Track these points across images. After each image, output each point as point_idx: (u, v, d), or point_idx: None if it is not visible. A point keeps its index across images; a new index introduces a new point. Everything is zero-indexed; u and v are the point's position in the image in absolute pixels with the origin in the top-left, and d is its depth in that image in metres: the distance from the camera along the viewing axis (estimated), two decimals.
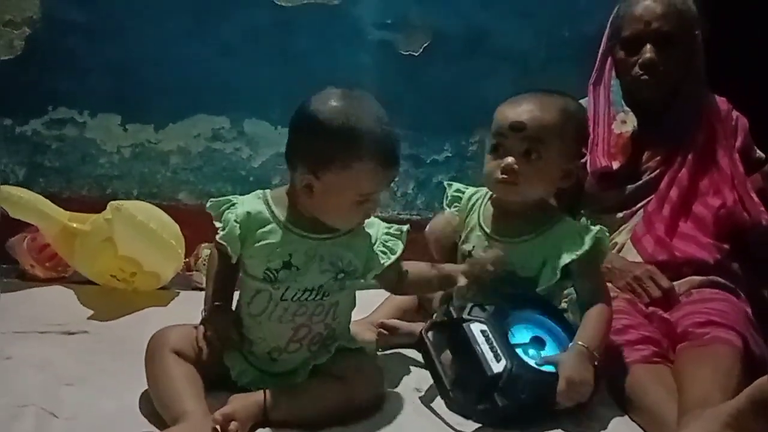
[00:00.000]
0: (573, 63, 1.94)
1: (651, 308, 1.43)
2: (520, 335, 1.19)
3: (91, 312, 1.55)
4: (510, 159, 1.22)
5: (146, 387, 1.13)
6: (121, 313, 1.55)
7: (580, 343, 1.16)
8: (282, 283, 1.14)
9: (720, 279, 1.49)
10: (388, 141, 1.11)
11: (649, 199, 1.59)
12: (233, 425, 1.04)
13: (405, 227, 1.22)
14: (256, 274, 1.15)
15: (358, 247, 1.18)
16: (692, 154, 1.59)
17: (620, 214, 1.62)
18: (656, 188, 1.59)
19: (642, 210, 1.60)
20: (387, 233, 1.20)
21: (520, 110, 1.23)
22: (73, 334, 1.43)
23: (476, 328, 1.17)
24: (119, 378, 1.22)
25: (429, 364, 1.23)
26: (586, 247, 1.21)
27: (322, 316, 1.17)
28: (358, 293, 1.55)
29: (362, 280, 1.20)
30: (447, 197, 1.37)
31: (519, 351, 1.16)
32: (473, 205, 1.34)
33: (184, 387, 1.08)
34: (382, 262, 1.18)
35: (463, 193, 1.36)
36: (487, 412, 1.14)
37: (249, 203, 1.17)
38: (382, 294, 1.56)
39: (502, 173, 1.23)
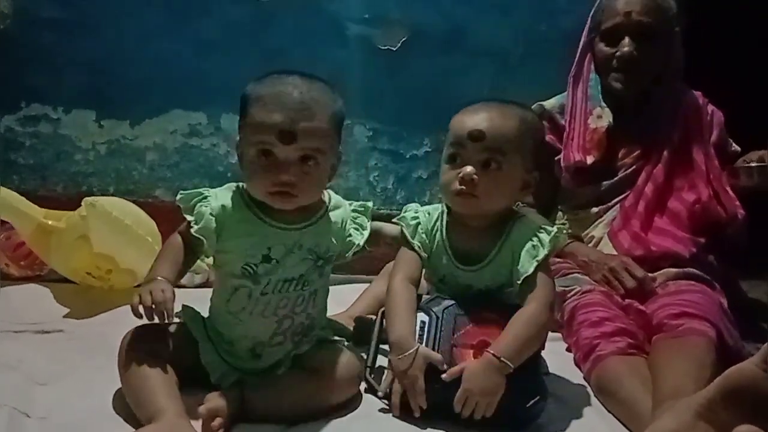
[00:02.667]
0: (551, 59, 1.95)
1: (627, 300, 1.45)
2: (468, 336, 1.16)
3: (67, 310, 1.53)
4: (469, 168, 1.17)
5: (121, 386, 1.12)
6: (97, 311, 1.53)
7: (490, 351, 1.10)
8: (262, 278, 1.13)
9: (696, 271, 1.51)
10: (282, 90, 1.08)
11: (625, 194, 1.61)
12: (218, 421, 1.03)
13: (368, 203, 1.25)
14: (234, 270, 1.14)
15: (334, 230, 1.18)
16: (668, 149, 1.61)
17: (595, 209, 1.63)
18: (632, 184, 1.61)
19: (618, 204, 1.61)
20: (354, 210, 1.22)
21: (479, 119, 1.18)
22: (48, 332, 1.42)
23: (419, 318, 1.18)
24: (94, 377, 1.21)
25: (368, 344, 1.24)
26: (545, 251, 1.17)
27: (303, 305, 1.16)
28: (334, 288, 1.57)
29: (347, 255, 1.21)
30: (408, 225, 1.25)
31: (455, 350, 1.14)
32: (434, 225, 1.26)
33: (158, 385, 1.06)
34: (357, 240, 1.20)
35: (419, 219, 1.26)
36: (388, 395, 1.16)
37: (224, 196, 1.15)
38: (359, 288, 1.58)
39: (460, 184, 1.17)
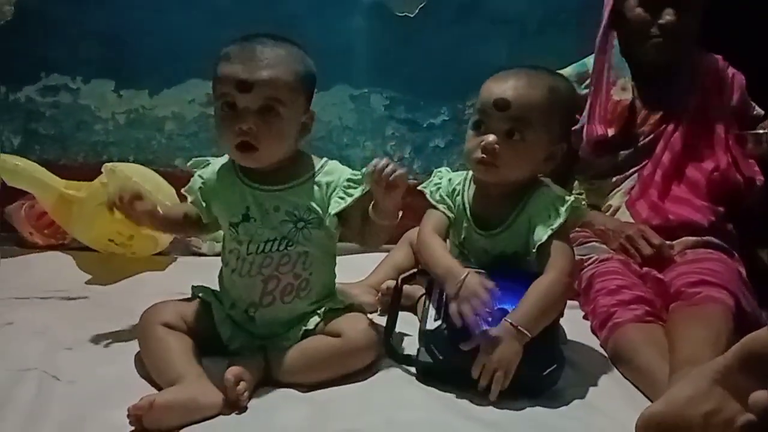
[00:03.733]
0: (569, 27, 1.92)
1: (645, 269, 1.45)
2: None
3: (91, 277, 1.56)
4: (491, 137, 1.16)
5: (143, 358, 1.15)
6: (120, 278, 1.56)
7: (507, 320, 1.11)
8: (244, 236, 1.17)
9: (714, 239, 1.50)
10: (245, 45, 1.12)
11: (643, 163, 1.59)
12: (243, 385, 1.06)
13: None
14: (225, 231, 1.21)
15: (317, 195, 1.18)
16: (686, 117, 1.58)
17: (613, 179, 1.62)
18: (651, 152, 1.59)
19: (636, 173, 1.60)
20: (348, 179, 1.18)
21: (506, 87, 1.16)
22: (73, 299, 1.45)
23: (434, 284, 1.19)
24: (118, 342, 1.24)
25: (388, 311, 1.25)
26: (561, 219, 1.17)
27: (289, 266, 1.18)
28: (354, 257, 1.59)
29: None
30: (429, 191, 1.27)
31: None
32: (455, 188, 1.27)
33: (178, 353, 1.10)
34: (333, 209, 1.16)
35: (441, 183, 1.27)
36: (411, 362, 1.18)
37: (217, 163, 1.22)
38: (376, 257, 1.59)
39: (482, 152, 1.17)
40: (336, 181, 1.19)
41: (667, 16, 1.52)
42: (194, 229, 1.29)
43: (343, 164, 1.22)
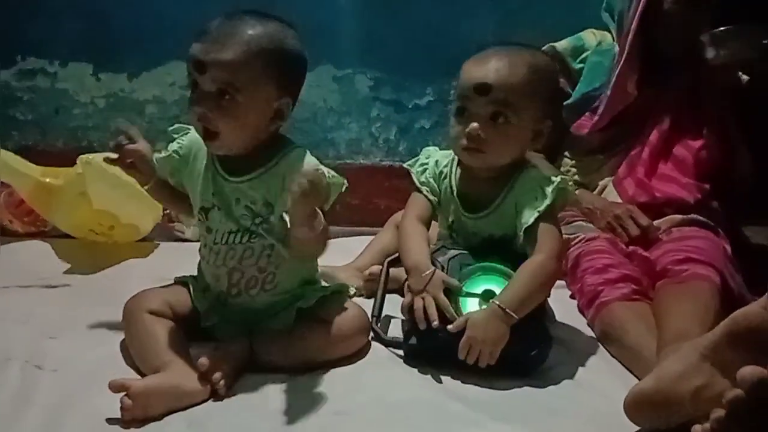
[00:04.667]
0: (557, 2, 1.90)
1: (631, 247, 1.45)
2: (473, 285, 1.17)
3: (72, 265, 1.54)
4: (474, 125, 1.14)
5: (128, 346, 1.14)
6: (102, 265, 1.54)
7: (495, 302, 1.10)
8: (211, 224, 1.14)
9: (700, 217, 1.50)
10: (212, 24, 1.06)
11: (631, 141, 1.59)
12: (218, 374, 1.04)
13: (338, 180, 1.09)
14: (195, 215, 1.17)
15: (274, 188, 1.10)
16: (676, 96, 1.57)
17: (601, 156, 1.62)
18: (639, 130, 1.58)
19: (623, 152, 1.60)
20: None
21: (485, 70, 1.14)
22: (55, 287, 1.43)
23: None
24: (103, 329, 1.22)
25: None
26: (548, 201, 1.16)
27: (253, 259, 1.13)
28: (341, 240, 1.58)
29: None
30: (415, 171, 1.26)
31: (460, 300, 1.15)
32: (442, 171, 1.26)
33: (163, 341, 1.08)
34: (284, 204, 1.06)
35: (428, 165, 1.26)
36: (398, 344, 1.18)
37: (198, 138, 1.13)
38: (363, 240, 1.58)
39: (467, 140, 1.15)
40: (291, 172, 1.07)
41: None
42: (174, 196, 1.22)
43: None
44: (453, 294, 1.15)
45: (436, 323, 1.11)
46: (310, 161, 1.09)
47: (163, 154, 1.17)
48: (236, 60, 1.03)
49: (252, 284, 1.15)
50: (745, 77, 1.53)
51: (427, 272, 1.14)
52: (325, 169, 1.07)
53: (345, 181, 1.11)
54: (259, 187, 1.11)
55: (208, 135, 1.07)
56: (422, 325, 1.12)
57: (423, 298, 1.13)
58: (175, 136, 1.19)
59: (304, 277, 1.19)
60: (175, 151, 1.17)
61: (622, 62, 1.53)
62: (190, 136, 1.17)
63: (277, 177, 1.10)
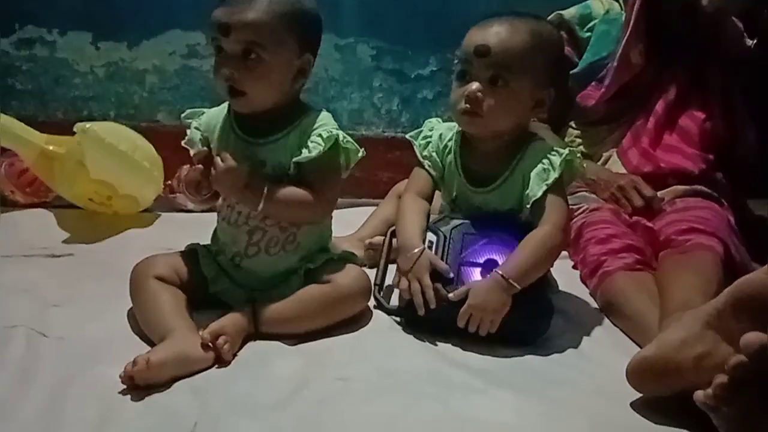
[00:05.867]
0: None
1: (635, 217, 1.44)
2: (476, 254, 1.16)
3: (75, 235, 1.54)
4: (474, 85, 1.13)
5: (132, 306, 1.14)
6: (105, 235, 1.53)
7: (498, 271, 1.10)
8: None
9: (704, 188, 1.50)
10: None
11: (637, 112, 1.58)
12: (222, 339, 1.05)
13: (332, 133, 1.11)
14: None
15: (293, 149, 1.13)
16: (682, 68, 1.56)
17: (606, 126, 1.61)
18: (645, 101, 1.57)
19: (628, 123, 1.59)
20: (319, 134, 1.12)
21: (486, 34, 1.13)
22: (58, 257, 1.43)
23: (427, 238, 1.18)
24: (107, 299, 1.22)
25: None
26: (556, 174, 1.15)
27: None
28: (344, 211, 1.57)
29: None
30: (418, 144, 1.26)
31: (462, 269, 1.15)
32: (447, 145, 1.24)
33: (169, 307, 1.09)
34: (298, 154, 1.11)
35: (431, 138, 1.25)
36: (400, 313, 1.19)
37: (213, 111, 1.20)
38: (365, 212, 1.58)
39: (465, 102, 1.14)
40: (308, 130, 1.13)
41: None
42: None
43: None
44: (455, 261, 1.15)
45: (422, 312, 1.12)
46: (326, 122, 1.14)
47: (189, 134, 1.19)
48: (259, 19, 1.07)
49: (273, 243, 1.17)
50: (750, 42, 1.52)
51: (415, 251, 1.14)
52: (342, 136, 1.13)
53: (361, 149, 1.16)
54: (285, 148, 1.14)
55: (235, 94, 1.10)
56: (421, 311, 1.13)
57: (410, 281, 1.13)
58: (189, 120, 1.20)
59: (321, 240, 1.21)
60: (196, 128, 1.19)
61: (627, 32, 1.51)
62: (207, 114, 1.20)
63: (299, 137, 1.14)
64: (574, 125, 1.65)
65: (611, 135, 1.60)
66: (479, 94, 1.14)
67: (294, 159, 1.13)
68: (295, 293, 1.14)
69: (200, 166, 1.11)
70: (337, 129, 1.14)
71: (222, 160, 1.09)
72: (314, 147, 1.11)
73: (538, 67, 1.15)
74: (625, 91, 1.57)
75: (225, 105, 1.19)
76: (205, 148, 1.13)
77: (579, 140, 1.62)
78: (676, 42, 1.55)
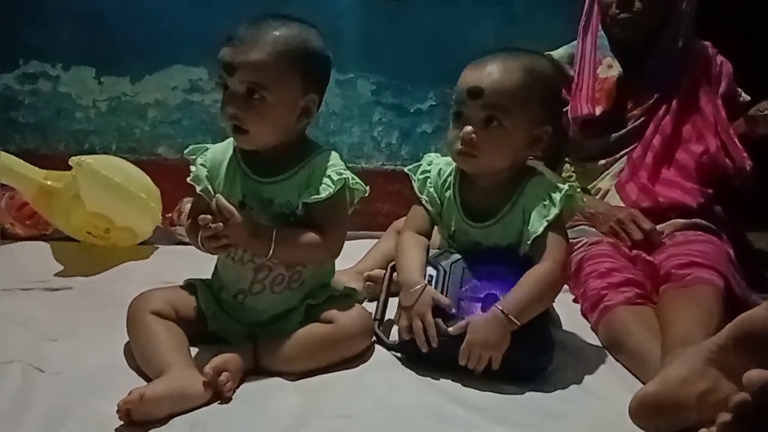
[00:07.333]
0: (558, 7, 1.91)
1: (635, 251, 1.44)
2: (476, 289, 1.16)
3: (73, 268, 1.53)
4: (468, 128, 1.13)
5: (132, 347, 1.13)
6: (103, 268, 1.54)
7: (497, 306, 1.09)
8: None
9: (703, 221, 1.50)
10: (240, 28, 1.10)
11: (633, 146, 1.59)
12: (224, 376, 1.04)
13: (342, 176, 1.12)
14: None
15: (301, 188, 1.14)
16: (676, 100, 1.58)
17: (603, 161, 1.62)
18: (640, 135, 1.59)
19: (625, 156, 1.60)
20: (328, 175, 1.13)
21: (480, 74, 1.13)
22: (56, 290, 1.43)
23: (427, 272, 1.18)
24: (105, 332, 1.21)
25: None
26: (556, 210, 1.15)
27: None
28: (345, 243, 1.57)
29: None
30: (416, 179, 1.26)
31: (462, 303, 1.15)
32: (445, 180, 1.25)
33: (166, 343, 1.08)
34: (308, 195, 1.12)
35: (430, 173, 1.25)
36: (400, 348, 1.18)
37: (218, 147, 1.20)
38: (365, 244, 1.57)
39: (461, 144, 1.14)
40: (317, 170, 1.13)
41: None
42: None
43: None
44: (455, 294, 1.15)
45: (425, 350, 1.11)
46: (335, 162, 1.14)
47: (194, 171, 1.17)
48: (262, 60, 1.08)
49: (278, 281, 1.16)
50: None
51: (417, 287, 1.14)
52: (349, 174, 1.14)
53: (367, 187, 1.17)
54: (292, 187, 1.14)
55: (238, 132, 1.11)
56: (424, 348, 1.12)
57: (412, 318, 1.13)
58: (193, 156, 1.19)
59: (324, 279, 1.21)
60: (202, 164, 1.18)
61: (580, 34, 1.59)
62: (212, 150, 1.19)
63: (308, 177, 1.14)
64: (569, 161, 1.66)
65: (608, 169, 1.61)
66: (473, 136, 1.14)
67: (303, 200, 1.13)
68: (297, 332, 1.13)
69: (211, 225, 1.07)
70: (345, 170, 1.14)
71: (228, 216, 1.06)
72: (324, 189, 1.12)
73: (532, 104, 1.15)
74: (620, 122, 1.59)
75: (229, 141, 1.19)
76: (209, 216, 1.08)
77: (574, 176, 1.63)
78: (667, 73, 1.58)
